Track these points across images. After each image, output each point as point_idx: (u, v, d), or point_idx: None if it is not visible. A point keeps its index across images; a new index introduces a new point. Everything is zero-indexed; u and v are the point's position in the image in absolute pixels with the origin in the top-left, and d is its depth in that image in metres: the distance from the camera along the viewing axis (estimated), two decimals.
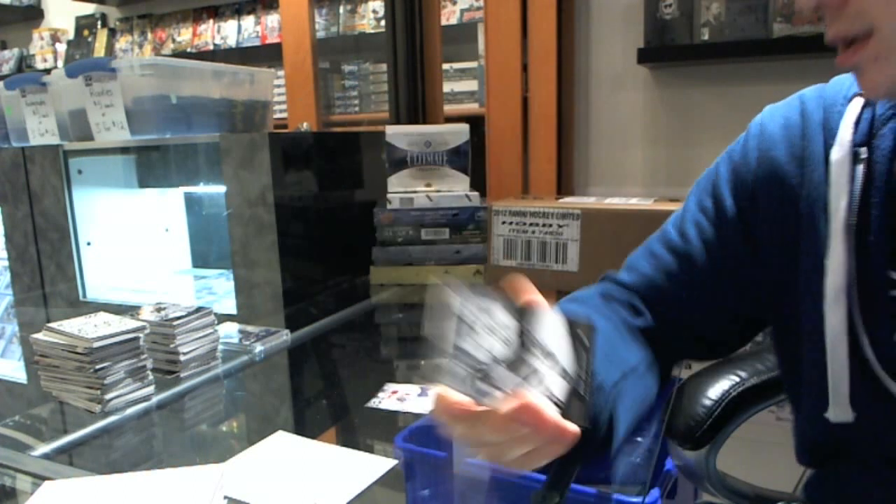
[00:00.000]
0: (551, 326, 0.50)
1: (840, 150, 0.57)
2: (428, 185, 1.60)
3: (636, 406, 0.61)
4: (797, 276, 0.61)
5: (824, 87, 0.65)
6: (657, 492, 0.88)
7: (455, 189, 1.59)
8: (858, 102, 0.60)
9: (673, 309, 0.70)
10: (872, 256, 0.54)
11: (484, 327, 0.48)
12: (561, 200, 1.54)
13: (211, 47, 3.04)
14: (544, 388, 0.47)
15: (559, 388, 0.48)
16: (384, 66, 2.58)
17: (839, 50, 0.49)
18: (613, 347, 0.61)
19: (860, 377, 0.55)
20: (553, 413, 0.45)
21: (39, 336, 0.94)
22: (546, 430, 0.45)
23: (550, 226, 1.47)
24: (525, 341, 0.49)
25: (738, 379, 0.83)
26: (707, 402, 0.80)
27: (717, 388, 0.82)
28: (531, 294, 0.52)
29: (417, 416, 0.87)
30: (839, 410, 0.56)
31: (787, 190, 0.61)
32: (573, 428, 0.46)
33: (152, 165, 1.68)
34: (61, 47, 3.44)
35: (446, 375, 0.46)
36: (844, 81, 0.63)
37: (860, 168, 0.56)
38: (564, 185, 1.94)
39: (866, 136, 0.57)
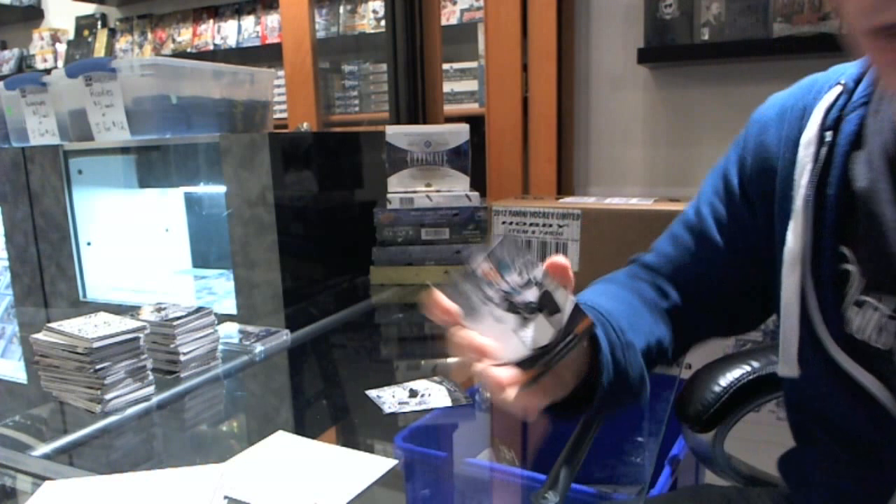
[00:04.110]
0: (562, 297, 0.52)
1: (808, 133, 0.62)
2: (428, 185, 1.60)
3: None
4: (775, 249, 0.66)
5: (822, 73, 0.68)
6: (668, 471, 0.89)
7: (455, 189, 1.59)
8: (837, 90, 0.63)
9: (692, 284, 0.74)
10: (825, 231, 0.59)
11: (514, 265, 0.53)
12: (561, 200, 1.54)
13: (211, 47, 3.04)
14: (524, 334, 0.51)
15: (534, 340, 0.51)
16: (384, 66, 2.58)
17: (881, 43, 0.45)
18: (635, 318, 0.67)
19: (809, 339, 0.60)
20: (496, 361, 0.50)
21: (39, 336, 0.94)
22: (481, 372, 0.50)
23: (550, 226, 1.47)
24: (541, 290, 0.52)
25: (749, 368, 0.87)
26: (717, 389, 0.85)
27: (729, 376, 0.86)
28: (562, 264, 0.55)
29: (417, 415, 0.87)
30: (786, 367, 0.61)
31: (772, 169, 0.66)
32: (504, 377, 0.50)
33: (152, 165, 1.68)
34: (61, 47, 3.44)
35: (454, 283, 0.53)
36: (840, 69, 0.66)
37: (824, 150, 0.60)
38: (564, 185, 1.94)
39: (834, 121, 0.61)
